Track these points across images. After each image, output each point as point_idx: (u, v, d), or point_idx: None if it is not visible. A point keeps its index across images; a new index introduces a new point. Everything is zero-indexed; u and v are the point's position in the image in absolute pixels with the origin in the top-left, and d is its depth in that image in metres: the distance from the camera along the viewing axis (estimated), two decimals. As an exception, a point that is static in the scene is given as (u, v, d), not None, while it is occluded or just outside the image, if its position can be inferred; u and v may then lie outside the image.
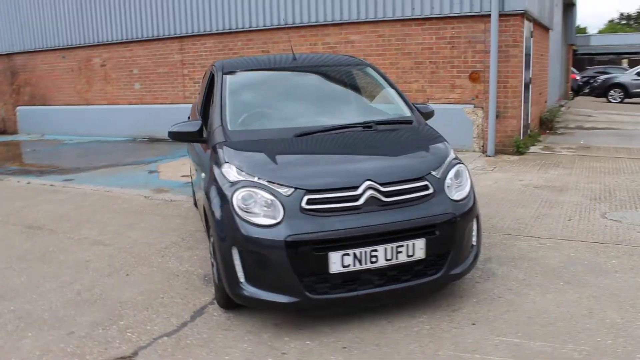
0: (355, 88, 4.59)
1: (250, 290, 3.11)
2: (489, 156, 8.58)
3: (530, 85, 9.78)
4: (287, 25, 10.20)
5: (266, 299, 3.09)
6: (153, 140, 12.08)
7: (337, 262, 3.00)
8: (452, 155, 3.58)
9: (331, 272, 3.01)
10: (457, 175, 3.44)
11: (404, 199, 3.18)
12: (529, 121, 10.02)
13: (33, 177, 8.51)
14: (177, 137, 3.95)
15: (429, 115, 4.37)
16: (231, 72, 4.32)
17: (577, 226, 4.90)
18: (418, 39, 9.11)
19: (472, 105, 8.87)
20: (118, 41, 12.44)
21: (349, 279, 3.07)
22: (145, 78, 12.33)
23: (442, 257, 3.23)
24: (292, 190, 3.09)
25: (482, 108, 8.77)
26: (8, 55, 14.49)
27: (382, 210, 3.11)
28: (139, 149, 11.31)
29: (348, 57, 4.94)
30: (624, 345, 2.91)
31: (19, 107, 14.68)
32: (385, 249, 3.05)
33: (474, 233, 3.48)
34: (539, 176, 7.05)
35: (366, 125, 3.81)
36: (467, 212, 3.33)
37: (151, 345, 3.19)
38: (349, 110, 4.21)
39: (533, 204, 5.69)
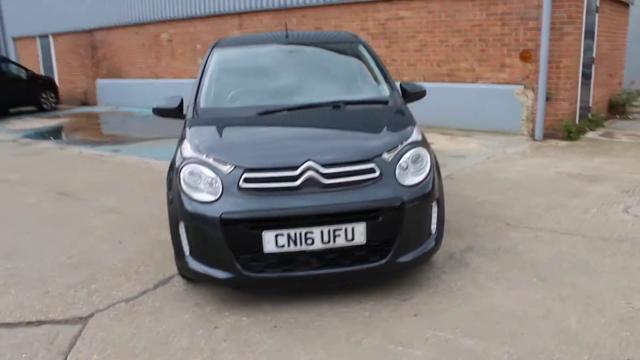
0: (341, 66, 4.48)
1: (193, 264, 3.20)
2: (537, 140, 8.08)
3: (594, 65, 9.03)
4: (339, 2, 10.09)
5: (206, 273, 3.17)
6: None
7: (271, 241, 3.00)
8: (413, 138, 3.43)
9: (265, 252, 3.03)
10: (415, 159, 3.30)
11: (345, 181, 3.10)
12: (591, 104, 9.28)
13: (88, 147, 9.11)
14: (159, 113, 4.08)
15: (417, 95, 4.20)
16: (218, 49, 4.38)
17: (589, 219, 4.54)
18: (468, 15, 8.68)
19: (522, 86, 8.35)
20: (183, 17, 12.88)
21: (285, 259, 3.07)
22: (203, 54, 12.68)
23: (388, 244, 3.13)
24: (232, 168, 3.12)
25: (533, 89, 8.24)
26: (89, 31, 15.47)
27: (321, 192, 3.06)
28: (196, 122, 11.74)
29: (342, 34, 4.83)
30: (565, 352, 2.70)
31: (98, 80, 15.69)
32: (322, 231, 3.01)
33: (434, 220, 3.34)
34: (579, 164, 6.55)
35: (335, 105, 3.74)
36: (420, 198, 3.19)
37: (108, 309, 3.39)
38: (327, 88, 4.13)
39: (555, 193, 5.33)
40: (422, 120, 9.11)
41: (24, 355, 2.93)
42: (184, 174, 3.22)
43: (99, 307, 3.42)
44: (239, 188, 3.07)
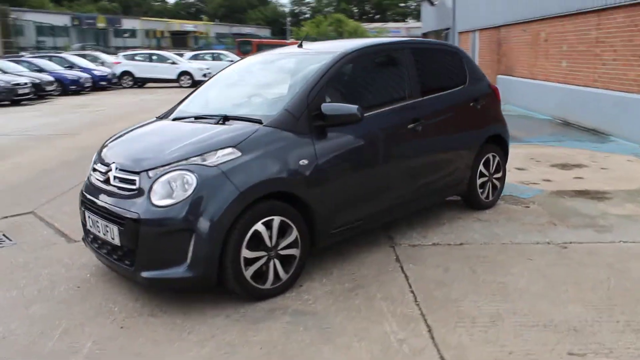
0: (295, 79, 4.05)
1: None
2: None
3: None
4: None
5: None
6: (567, 123, 11.16)
7: (88, 220, 3.71)
8: (198, 161, 3.29)
9: (87, 227, 3.76)
10: (178, 181, 3.23)
11: (120, 186, 3.45)
12: None
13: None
14: None
15: (339, 118, 3.64)
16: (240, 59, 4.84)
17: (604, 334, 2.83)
18: None
19: None
20: (556, 15, 11.76)
21: (96, 238, 3.68)
22: (568, 56, 11.33)
23: (133, 254, 3.31)
24: (96, 157, 3.91)
25: None
26: (497, 27, 15.81)
27: (111, 191, 3.51)
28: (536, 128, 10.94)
29: (347, 45, 4.29)
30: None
31: (498, 76, 15.98)
32: (101, 223, 3.50)
33: (191, 249, 3.18)
34: None
35: (221, 118, 3.78)
36: (162, 220, 3.18)
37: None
38: (254, 101, 4.09)
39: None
40: None
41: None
42: None
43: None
44: (91, 174, 3.86)
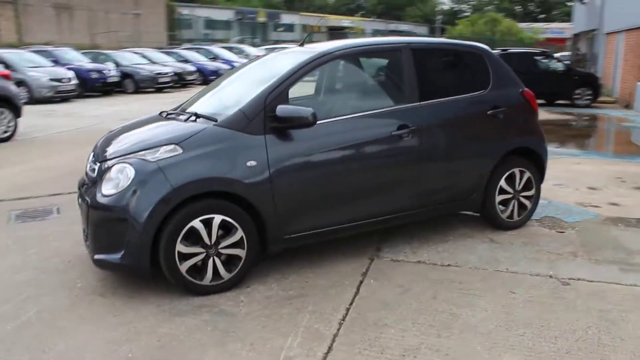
0: (269, 79, 3.96)
1: None
2: None
3: None
4: None
5: None
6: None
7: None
8: (139, 155, 3.47)
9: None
10: (120, 172, 3.43)
11: (89, 174, 3.79)
12: None
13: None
14: None
15: (292, 120, 3.56)
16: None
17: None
18: None
19: None
20: None
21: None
22: None
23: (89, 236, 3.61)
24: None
25: None
26: (643, 28, 13.92)
27: (87, 178, 3.85)
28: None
29: (339, 44, 4.12)
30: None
31: (638, 83, 14.10)
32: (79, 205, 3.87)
33: (126, 238, 3.35)
34: None
35: (191, 115, 3.89)
36: (105, 207, 3.41)
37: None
38: (227, 100, 4.08)
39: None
40: None
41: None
42: None
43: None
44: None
